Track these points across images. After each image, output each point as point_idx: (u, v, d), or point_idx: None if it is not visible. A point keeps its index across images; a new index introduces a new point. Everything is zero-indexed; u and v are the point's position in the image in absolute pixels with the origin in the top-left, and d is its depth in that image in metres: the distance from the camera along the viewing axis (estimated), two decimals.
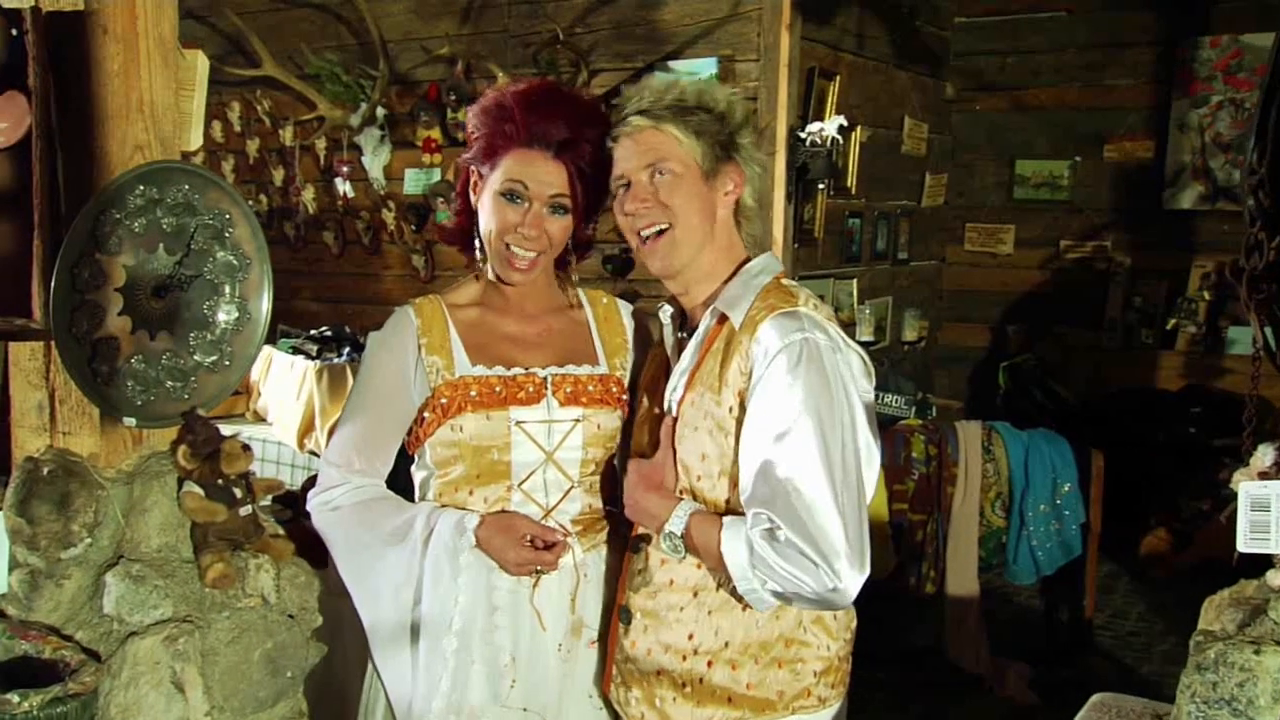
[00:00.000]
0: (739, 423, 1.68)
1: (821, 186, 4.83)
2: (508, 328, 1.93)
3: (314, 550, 1.87)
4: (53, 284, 1.53)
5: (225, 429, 1.70)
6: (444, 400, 1.84)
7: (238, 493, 1.68)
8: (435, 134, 4.84)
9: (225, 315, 1.71)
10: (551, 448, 1.87)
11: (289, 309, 5.24)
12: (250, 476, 1.71)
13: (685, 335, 1.83)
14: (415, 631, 1.82)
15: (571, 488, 1.90)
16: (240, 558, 1.69)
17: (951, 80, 6.52)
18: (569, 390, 1.89)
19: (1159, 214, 6.08)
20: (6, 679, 1.48)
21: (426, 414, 1.87)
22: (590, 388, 1.91)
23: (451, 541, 1.81)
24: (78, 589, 1.61)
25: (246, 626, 1.66)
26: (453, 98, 4.73)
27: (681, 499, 1.73)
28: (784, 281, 1.78)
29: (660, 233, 1.75)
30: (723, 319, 1.73)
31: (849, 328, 5.07)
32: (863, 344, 2.01)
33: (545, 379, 1.88)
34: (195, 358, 1.69)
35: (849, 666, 1.81)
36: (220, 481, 1.66)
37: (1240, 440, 1.78)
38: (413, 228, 5.04)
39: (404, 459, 1.97)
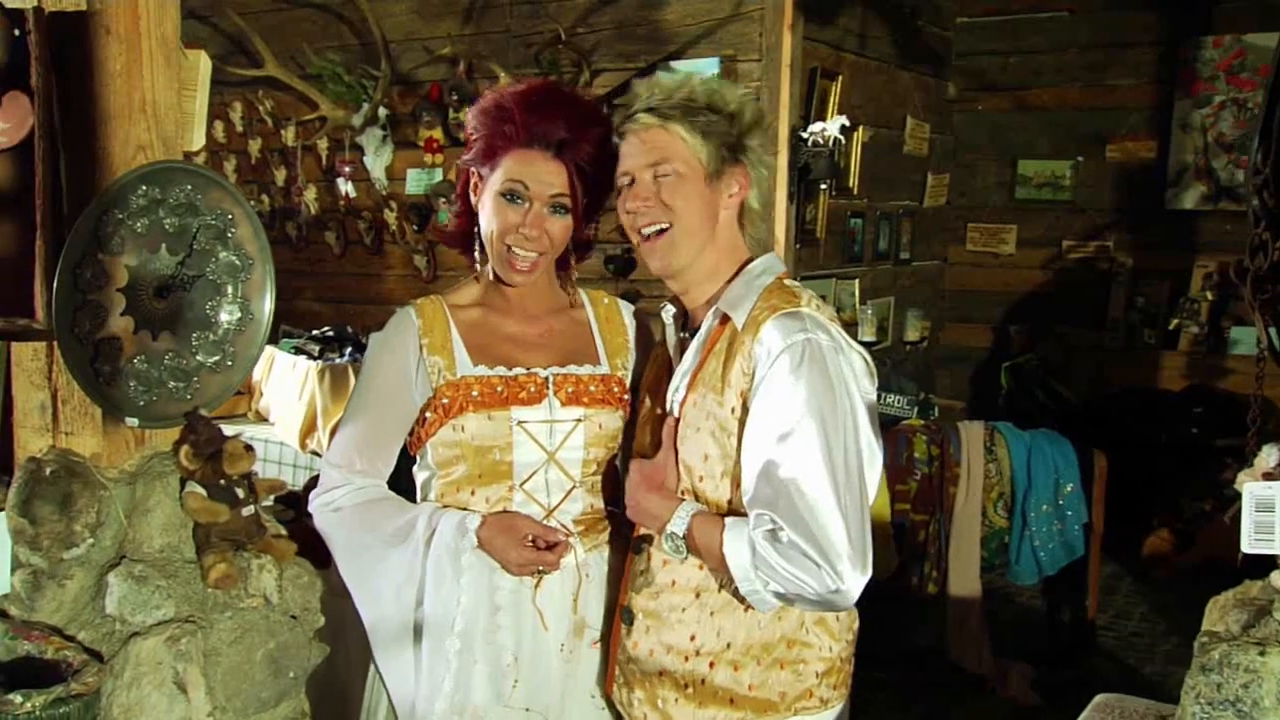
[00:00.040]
0: (741, 423, 1.67)
1: (823, 187, 4.82)
2: (509, 328, 1.93)
3: (316, 550, 1.87)
4: (55, 284, 1.53)
5: (227, 429, 1.70)
6: (445, 400, 1.84)
7: (240, 493, 1.68)
8: (437, 134, 4.84)
9: (228, 315, 1.71)
10: (553, 448, 1.87)
11: (291, 309, 5.23)
12: (253, 477, 1.71)
13: (687, 335, 1.82)
14: (417, 632, 1.82)
15: (573, 488, 1.90)
16: (243, 558, 1.69)
17: (953, 80, 6.52)
18: (570, 390, 1.89)
19: (1161, 214, 6.07)
20: (9, 679, 1.48)
21: (428, 414, 1.87)
22: (592, 388, 1.91)
23: (453, 542, 1.81)
24: (80, 589, 1.61)
25: (249, 627, 1.66)
26: (455, 98, 4.73)
27: (683, 500, 1.73)
28: (786, 282, 1.77)
29: (660, 232, 1.75)
30: (725, 319, 1.73)
31: (851, 328, 5.06)
32: (865, 344, 2.01)
33: (547, 379, 1.88)
34: (198, 358, 1.69)
35: (851, 667, 1.81)
36: (223, 482, 1.66)
37: (1243, 440, 1.78)
38: (415, 228, 5.04)
39: (406, 459, 1.97)
